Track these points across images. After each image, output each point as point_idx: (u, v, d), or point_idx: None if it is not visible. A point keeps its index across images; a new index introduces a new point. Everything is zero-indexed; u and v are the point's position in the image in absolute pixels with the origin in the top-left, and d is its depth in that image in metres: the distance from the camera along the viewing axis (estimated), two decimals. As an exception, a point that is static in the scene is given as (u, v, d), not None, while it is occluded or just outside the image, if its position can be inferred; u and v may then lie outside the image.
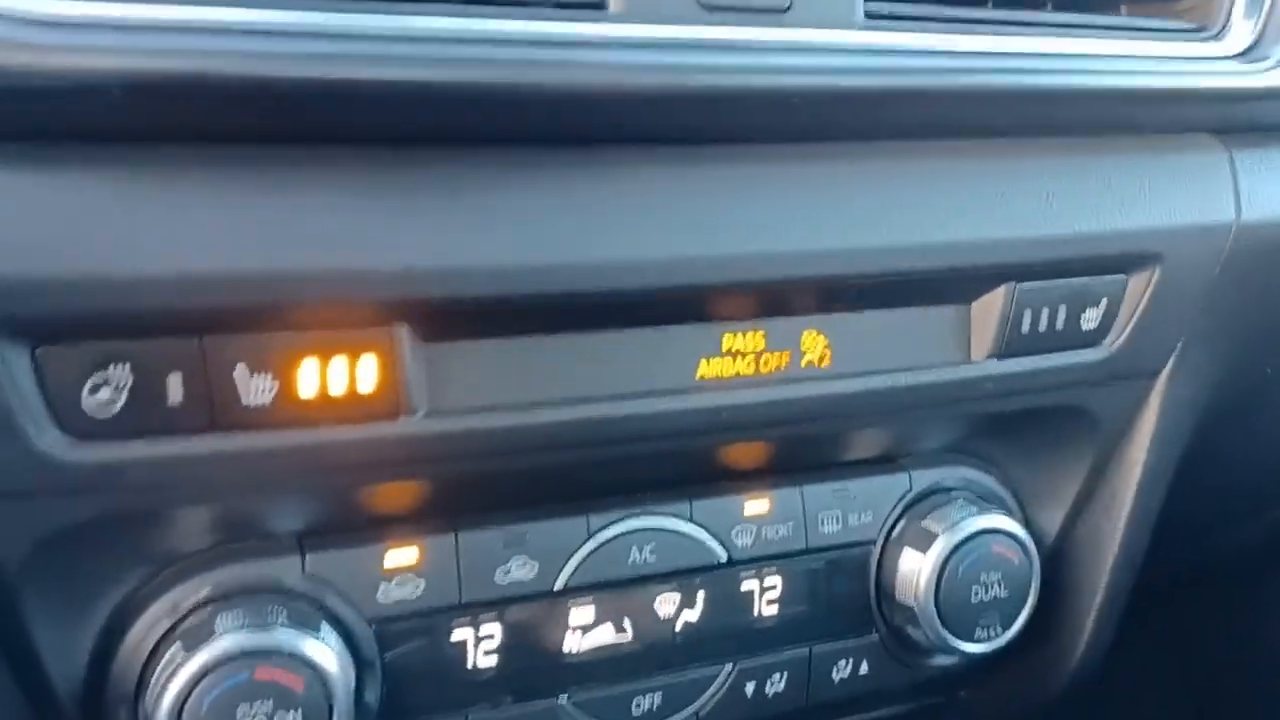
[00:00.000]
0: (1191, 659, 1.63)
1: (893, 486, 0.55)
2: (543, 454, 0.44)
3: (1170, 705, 1.61)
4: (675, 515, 0.51)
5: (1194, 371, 0.57)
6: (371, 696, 0.46)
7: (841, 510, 0.54)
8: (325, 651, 0.43)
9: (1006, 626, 0.55)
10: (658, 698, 0.51)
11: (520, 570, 0.48)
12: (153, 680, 0.42)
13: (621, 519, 0.49)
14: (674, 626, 0.51)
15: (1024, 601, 0.55)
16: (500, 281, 0.41)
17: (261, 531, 0.44)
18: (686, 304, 0.45)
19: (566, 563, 0.48)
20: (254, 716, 0.41)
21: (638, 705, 0.51)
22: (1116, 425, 0.56)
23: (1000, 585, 0.55)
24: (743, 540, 0.52)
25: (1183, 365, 0.56)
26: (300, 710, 0.42)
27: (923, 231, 0.47)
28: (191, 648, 0.41)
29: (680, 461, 0.50)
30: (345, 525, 0.45)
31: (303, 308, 0.39)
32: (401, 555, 0.46)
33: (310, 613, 0.44)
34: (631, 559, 0.50)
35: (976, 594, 0.54)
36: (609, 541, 0.50)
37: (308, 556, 0.45)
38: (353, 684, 0.44)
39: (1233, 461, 0.67)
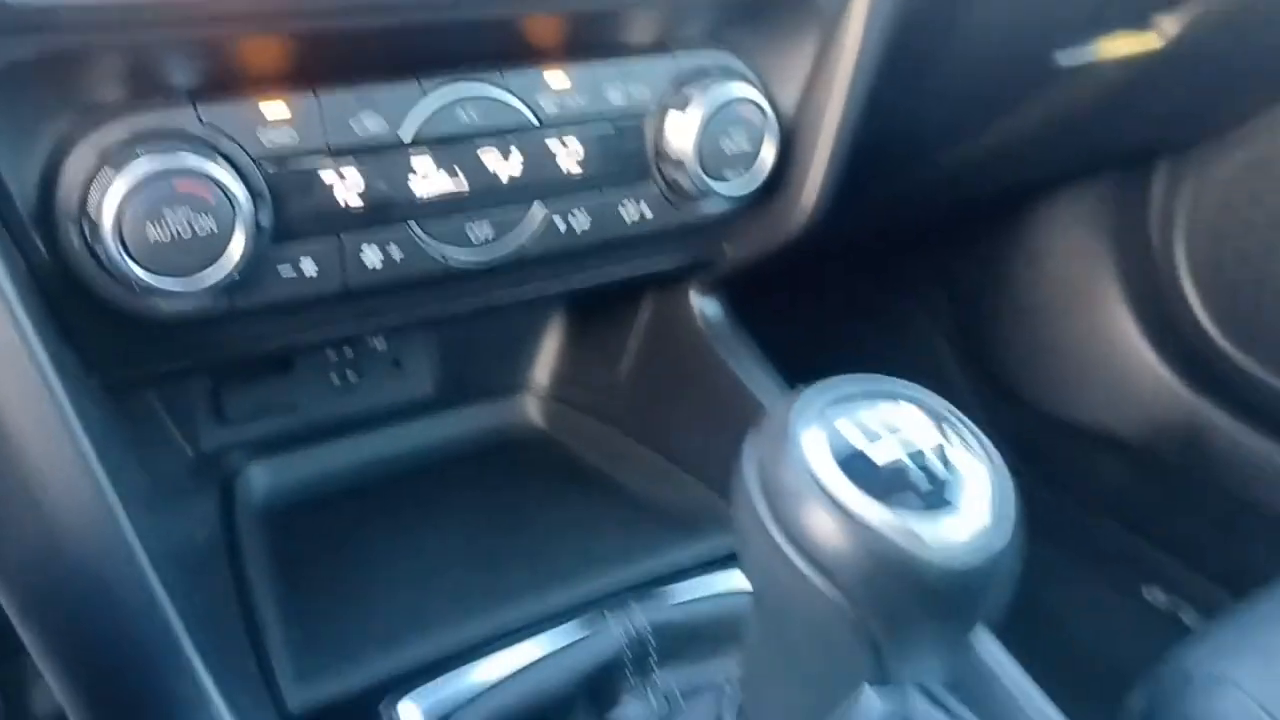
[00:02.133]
0: (956, 286, 1.93)
1: (664, 65, 0.70)
2: (374, 15, 0.58)
3: (939, 322, 1.93)
4: (492, 83, 0.65)
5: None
6: (264, 218, 0.60)
7: (625, 85, 0.69)
8: (227, 174, 0.56)
9: (749, 169, 0.72)
10: (488, 228, 0.67)
11: (370, 122, 0.61)
12: (90, 199, 0.55)
13: (448, 82, 0.63)
14: (497, 175, 0.67)
15: (763, 153, 0.72)
16: None
17: (163, 88, 0.56)
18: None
19: (406, 117, 0.62)
20: (177, 220, 0.55)
21: (472, 233, 0.67)
22: (833, 11, 0.72)
23: (746, 140, 0.71)
24: (549, 107, 0.67)
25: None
26: (212, 215, 0.56)
27: None
28: (120, 169, 0.54)
29: (490, 35, 0.63)
30: (227, 85, 0.58)
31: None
32: (275, 108, 0.59)
33: (210, 150, 0.57)
34: (460, 119, 0.64)
35: (728, 146, 0.71)
36: (442, 108, 0.63)
37: (200, 108, 0.57)
38: (251, 204, 0.58)
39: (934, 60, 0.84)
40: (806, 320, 1.95)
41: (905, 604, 0.38)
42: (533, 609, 0.72)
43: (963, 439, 0.41)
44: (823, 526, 0.39)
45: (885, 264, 1.99)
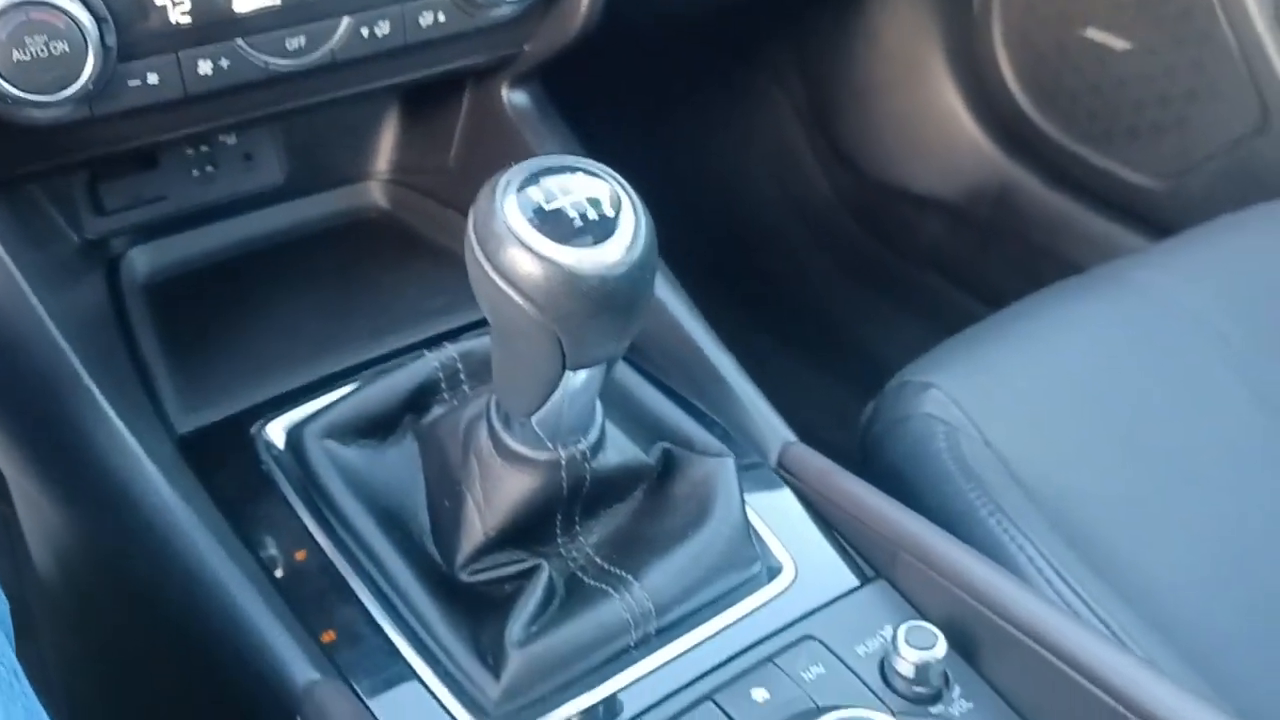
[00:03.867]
0: (807, 64, 2.08)
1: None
2: None
3: (791, 97, 2.08)
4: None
5: None
6: (109, 39, 0.73)
7: None
8: (74, 4, 0.69)
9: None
10: (303, 38, 0.81)
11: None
12: None
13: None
14: (305, -8, 0.80)
15: (537, -37, 0.86)
16: None
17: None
18: None
19: None
20: (35, 44, 0.69)
21: (289, 43, 0.80)
22: None
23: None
24: None
25: None
26: (64, 39, 0.69)
27: None
28: None
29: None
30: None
31: None
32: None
33: None
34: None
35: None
36: None
37: None
38: (97, 28, 0.71)
39: None
40: (672, 94, 2.09)
41: (573, 308, 0.57)
42: (372, 352, 0.91)
43: (619, 194, 0.59)
44: (517, 261, 0.57)
45: (744, 45, 2.12)
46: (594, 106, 1.29)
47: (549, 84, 1.06)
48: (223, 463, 0.82)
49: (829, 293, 2.08)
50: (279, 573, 0.75)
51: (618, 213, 0.58)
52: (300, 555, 0.76)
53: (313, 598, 0.73)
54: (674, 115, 2.10)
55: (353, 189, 1.10)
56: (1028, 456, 1.00)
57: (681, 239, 1.31)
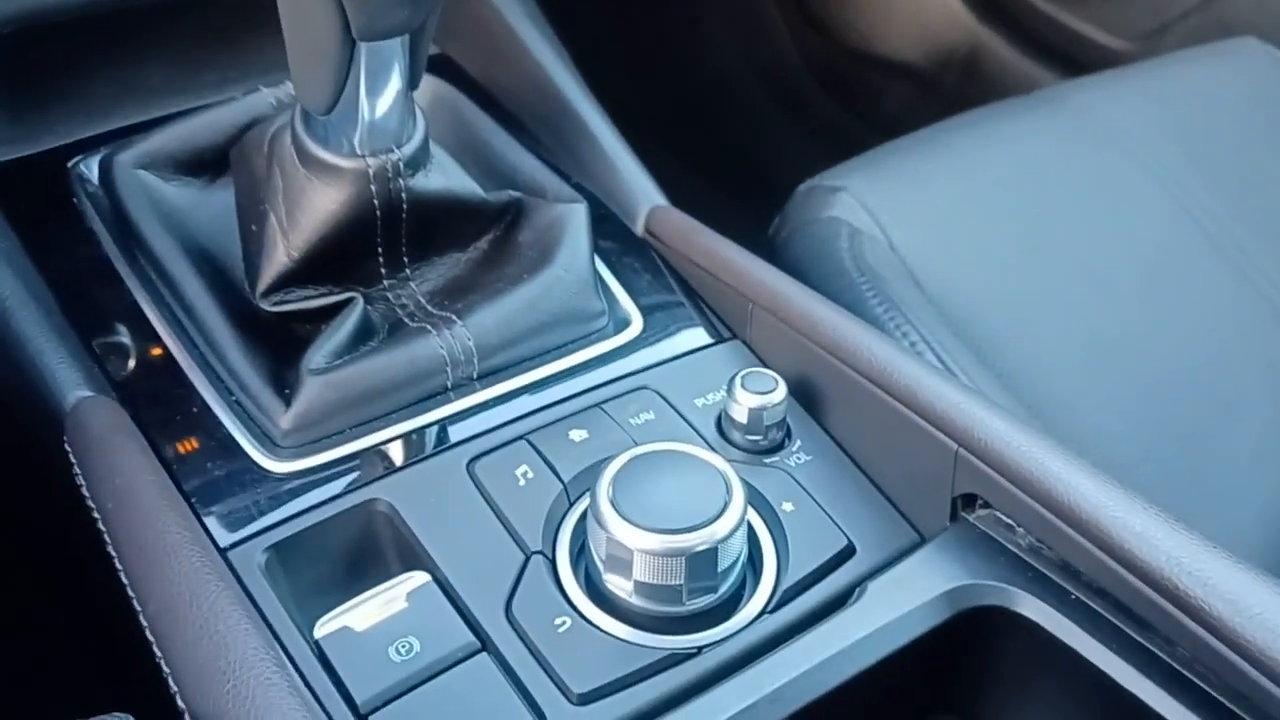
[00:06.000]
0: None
1: None
2: None
3: None
4: None
5: None
6: None
7: None
8: None
9: None
10: None
11: None
12: None
13: None
14: None
15: None
16: None
17: None
18: None
19: None
20: None
21: None
22: None
23: None
24: None
25: None
26: None
27: None
28: None
29: None
30: None
31: None
32: None
33: None
34: None
35: None
36: None
37: None
38: None
39: None
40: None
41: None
42: (216, 97, 0.83)
43: None
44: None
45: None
46: None
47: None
48: (34, 196, 0.75)
49: (782, 156, 1.99)
50: (70, 298, 0.68)
51: None
52: (97, 283, 0.69)
53: (101, 322, 0.67)
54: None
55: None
56: (932, 263, 0.94)
57: (630, 91, 1.22)
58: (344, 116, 0.60)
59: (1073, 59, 1.71)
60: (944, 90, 1.89)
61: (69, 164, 0.77)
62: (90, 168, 0.76)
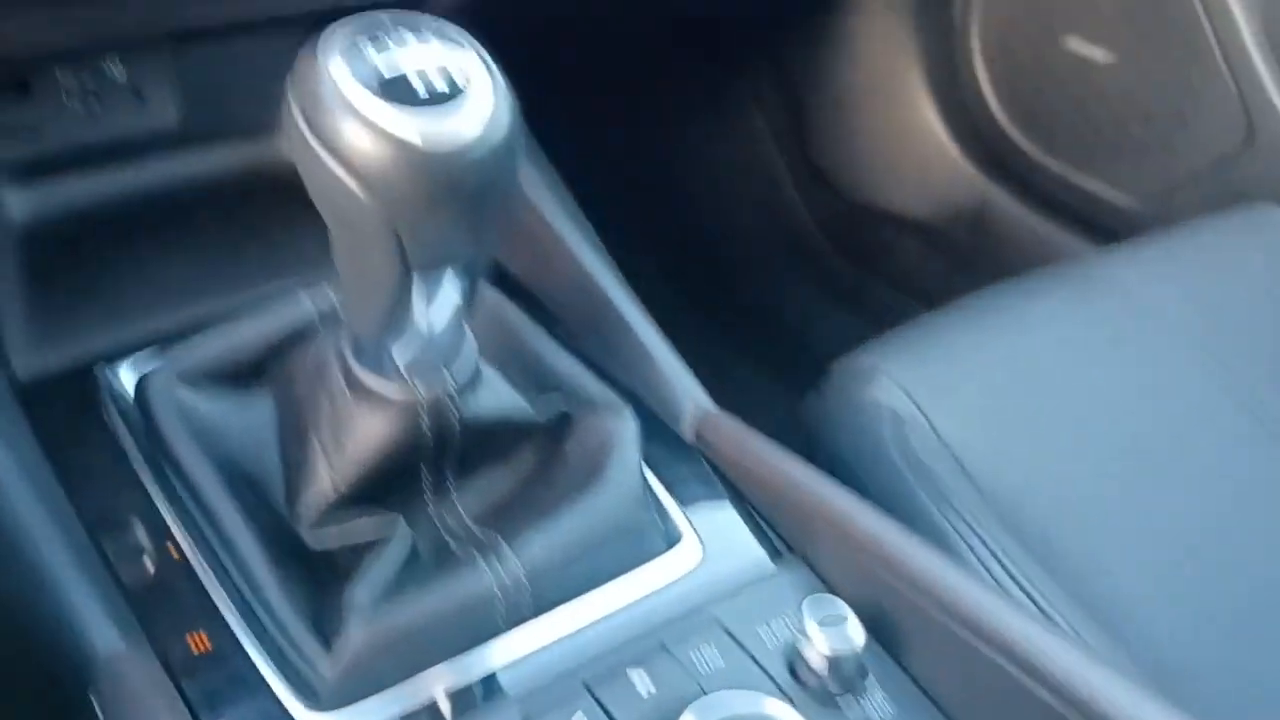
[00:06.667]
0: (782, 71, 2.02)
1: None
2: None
3: (763, 103, 2.02)
4: None
5: None
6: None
7: None
8: None
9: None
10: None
11: None
12: None
13: None
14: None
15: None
16: None
17: None
18: None
19: None
20: None
21: None
22: None
23: None
24: None
25: None
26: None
27: None
28: None
29: None
30: None
31: None
32: None
33: None
34: None
35: None
36: None
37: None
38: None
39: None
40: (644, 99, 2.02)
41: (411, 193, 0.48)
42: (250, 298, 0.81)
43: (476, 62, 0.50)
44: (344, 131, 0.47)
45: (718, 50, 2.05)
46: (555, 107, 1.21)
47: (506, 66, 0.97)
48: (63, 409, 0.73)
49: (796, 312, 1.99)
50: (100, 527, 0.65)
51: (474, 83, 0.49)
52: (129, 514, 0.66)
53: (133, 557, 0.63)
54: (642, 122, 2.03)
55: (257, 141, 1.01)
56: (979, 450, 0.91)
57: (642, 249, 1.22)
58: (395, 340, 0.58)
59: (1083, 217, 1.72)
60: (955, 246, 1.90)
61: (97, 374, 0.74)
62: (120, 378, 0.74)
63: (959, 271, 1.92)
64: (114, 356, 0.76)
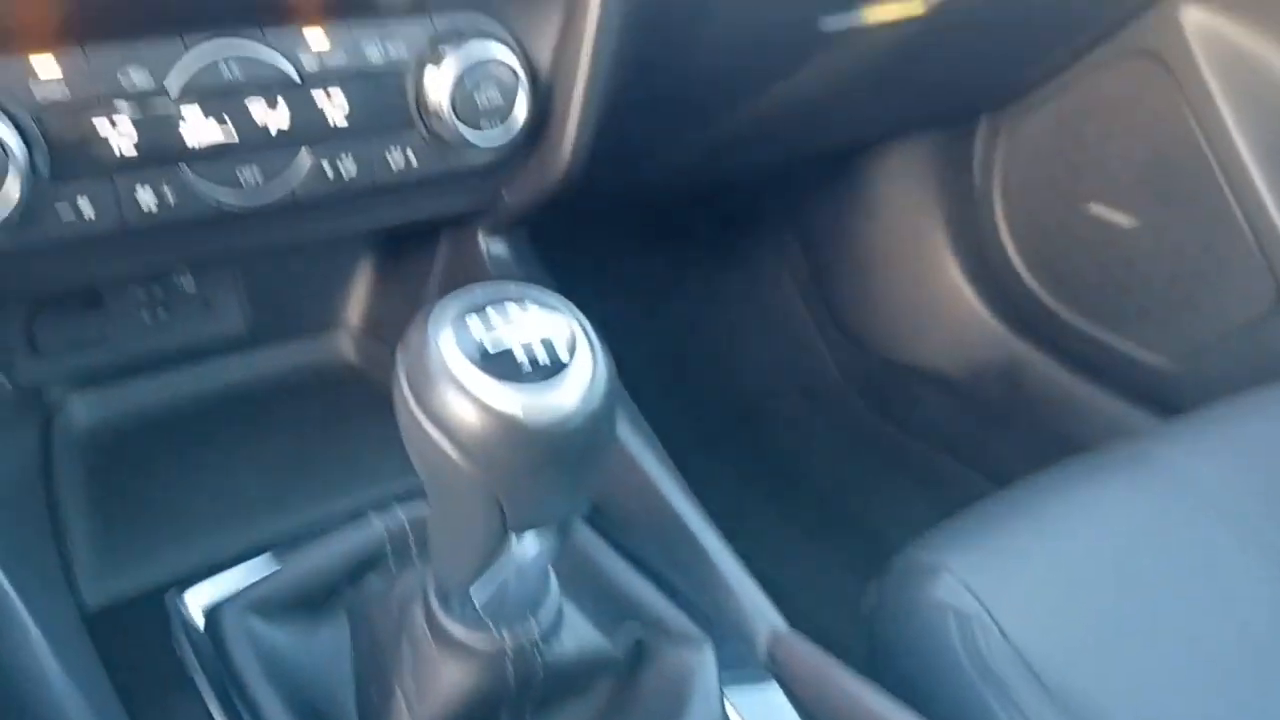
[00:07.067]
0: (806, 234, 2.06)
1: (421, 26, 0.79)
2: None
3: (789, 267, 2.06)
4: (253, 39, 0.72)
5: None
6: (41, 163, 0.67)
7: (383, 44, 0.77)
8: (3, 129, 0.64)
9: (504, 121, 0.81)
10: (257, 172, 0.75)
11: (137, 77, 0.69)
12: None
13: (209, 38, 0.71)
14: (266, 127, 0.74)
15: (515, 108, 0.81)
16: None
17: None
18: None
19: (171, 71, 0.70)
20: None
21: (242, 176, 0.74)
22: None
23: (499, 95, 0.80)
24: (310, 65, 0.75)
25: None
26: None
27: None
28: None
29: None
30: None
31: None
32: (45, 63, 0.66)
33: None
34: (224, 74, 0.72)
35: (482, 100, 0.79)
36: (207, 65, 0.71)
37: None
38: (27, 153, 0.65)
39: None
40: (668, 262, 2.06)
41: (513, 463, 0.48)
42: (316, 516, 0.81)
43: (576, 332, 0.51)
44: (450, 406, 0.48)
45: (744, 210, 2.10)
46: (583, 270, 1.24)
47: (536, 243, 1.00)
48: (132, 641, 0.72)
49: (830, 470, 1.98)
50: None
51: (573, 353, 0.50)
52: None
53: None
54: (670, 283, 2.07)
55: (320, 340, 1.03)
56: (1047, 652, 0.89)
57: (675, 411, 1.23)
58: (485, 595, 0.57)
59: (1113, 375, 1.73)
60: (986, 403, 1.90)
61: (167, 602, 0.74)
62: (189, 606, 0.73)
63: (991, 427, 1.92)
64: (182, 581, 0.75)
